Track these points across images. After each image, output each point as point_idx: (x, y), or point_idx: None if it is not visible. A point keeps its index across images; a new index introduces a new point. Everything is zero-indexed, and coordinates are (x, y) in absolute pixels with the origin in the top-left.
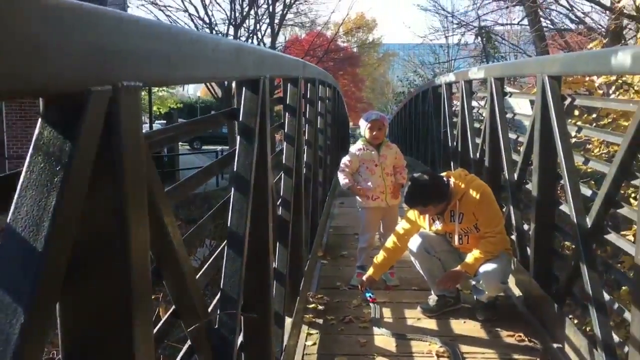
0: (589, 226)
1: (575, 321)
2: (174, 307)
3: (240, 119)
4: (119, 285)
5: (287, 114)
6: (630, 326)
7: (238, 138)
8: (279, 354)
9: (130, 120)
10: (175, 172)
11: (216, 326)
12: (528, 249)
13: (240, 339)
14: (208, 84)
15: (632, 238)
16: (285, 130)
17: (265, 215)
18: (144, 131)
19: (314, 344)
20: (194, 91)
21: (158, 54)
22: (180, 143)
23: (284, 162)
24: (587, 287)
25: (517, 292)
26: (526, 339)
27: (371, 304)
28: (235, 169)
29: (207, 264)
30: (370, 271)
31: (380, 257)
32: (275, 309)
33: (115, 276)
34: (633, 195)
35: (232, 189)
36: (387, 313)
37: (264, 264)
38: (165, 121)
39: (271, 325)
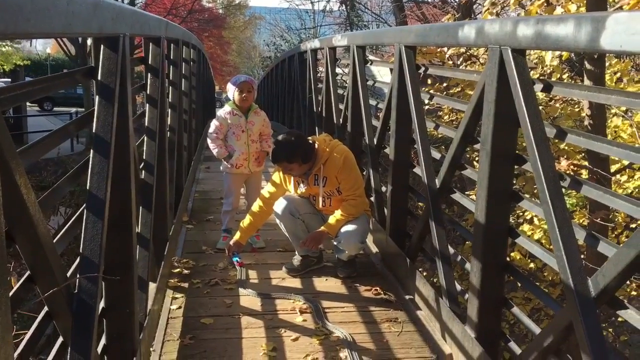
0: (438, 187)
1: (425, 274)
2: (29, 272)
3: (99, 77)
4: None
5: (149, 75)
6: (470, 274)
7: (97, 98)
8: (143, 318)
9: None
10: (22, 134)
11: (76, 291)
12: (385, 210)
13: (102, 304)
14: (60, 40)
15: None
16: (148, 92)
17: (127, 178)
18: None
19: (179, 307)
20: (43, 47)
21: (5, 2)
22: (28, 104)
23: (146, 124)
24: (435, 242)
25: (374, 249)
26: (382, 293)
27: (237, 267)
28: (94, 130)
29: (66, 226)
30: (237, 235)
31: (246, 221)
32: (139, 273)
33: None
34: (477, 158)
35: (92, 150)
36: (253, 274)
37: (126, 228)
38: (10, 79)
39: (134, 290)
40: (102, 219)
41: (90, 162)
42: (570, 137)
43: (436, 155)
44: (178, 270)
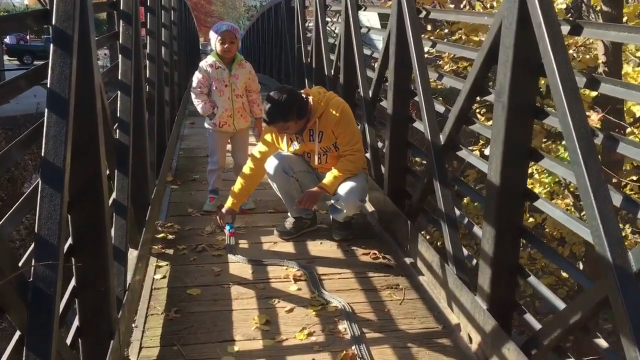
0: (442, 143)
1: (428, 237)
2: None
3: (54, 22)
4: None
5: (121, 21)
6: (481, 240)
7: (51, 47)
8: (122, 293)
9: None
10: None
11: (30, 279)
12: (382, 167)
13: (73, 284)
14: None
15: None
16: (120, 41)
17: (94, 140)
18: None
19: (164, 277)
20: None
21: None
22: (7, 57)
23: (120, 78)
24: (439, 203)
25: (371, 209)
26: (380, 257)
27: (224, 224)
28: (49, 85)
29: (16, 205)
30: (229, 202)
31: (238, 185)
32: (116, 244)
33: None
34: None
35: (46, 109)
36: (242, 239)
37: (95, 198)
38: None
39: (109, 265)
40: (60, 191)
41: (45, 124)
42: (605, 86)
43: (440, 108)
44: (162, 235)
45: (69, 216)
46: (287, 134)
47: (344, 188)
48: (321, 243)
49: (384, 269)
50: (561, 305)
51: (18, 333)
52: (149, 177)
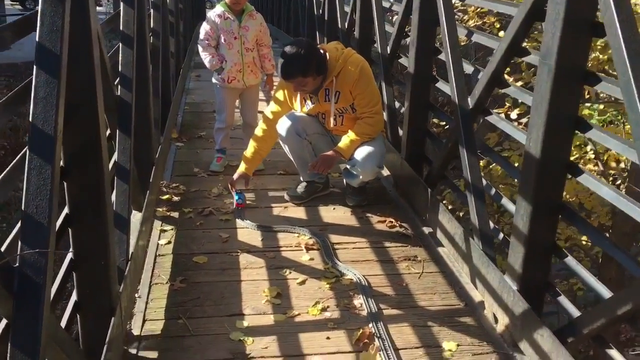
0: (471, 107)
1: (450, 207)
2: None
3: None
4: None
5: None
6: (515, 216)
7: None
8: (125, 263)
9: None
10: None
11: (16, 264)
12: (400, 130)
13: (70, 255)
14: None
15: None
16: None
17: (89, 97)
18: None
19: (169, 242)
20: None
21: None
22: (9, 2)
23: (121, 28)
24: (465, 172)
25: (386, 173)
26: (397, 225)
27: (234, 192)
28: (37, 38)
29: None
30: (242, 167)
31: (250, 149)
32: (118, 210)
33: None
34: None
35: (35, 66)
36: (251, 202)
37: (93, 162)
38: None
39: (109, 236)
40: (50, 162)
41: (33, 84)
42: None
43: (468, 68)
44: (167, 196)
45: (65, 183)
46: (302, 93)
47: (360, 153)
48: (334, 209)
49: (400, 238)
50: (604, 291)
51: (5, 321)
52: (153, 135)
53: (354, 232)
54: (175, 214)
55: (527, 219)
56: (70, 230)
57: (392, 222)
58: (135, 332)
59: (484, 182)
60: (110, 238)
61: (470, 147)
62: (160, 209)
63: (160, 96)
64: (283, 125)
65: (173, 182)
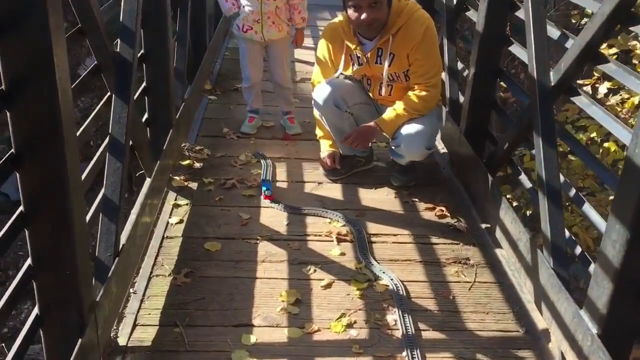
0: (553, 83)
1: (515, 204)
2: None
3: None
4: None
5: None
6: (603, 240)
7: None
8: (112, 259)
9: None
10: None
11: None
12: (461, 97)
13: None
14: None
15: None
16: None
17: (40, 67)
18: None
19: (180, 221)
20: None
21: None
22: None
23: None
24: (539, 166)
25: (442, 149)
26: (449, 215)
27: (262, 161)
28: None
29: None
30: (326, 144)
31: (319, 127)
32: (108, 194)
33: None
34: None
35: None
36: (281, 174)
37: (52, 145)
38: None
39: (75, 235)
40: None
41: None
42: None
43: (553, 33)
44: (188, 162)
45: (17, 175)
46: (367, 23)
47: (407, 131)
48: (375, 189)
49: (451, 233)
50: None
51: None
52: (172, 91)
53: (395, 220)
54: (194, 185)
55: (621, 246)
56: (26, 231)
57: (442, 210)
58: (122, 340)
59: (562, 178)
60: (79, 236)
61: (547, 134)
62: (178, 178)
63: (188, 41)
64: (320, 94)
65: (198, 143)
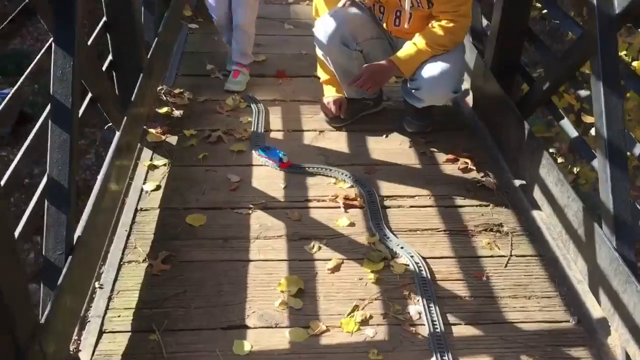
0: (617, 11)
1: (560, 160)
2: None
3: None
4: None
5: None
6: None
7: None
8: (63, 259)
9: None
10: None
11: None
12: (484, 20)
13: None
14: None
15: None
16: None
17: None
18: None
19: (157, 187)
20: None
21: None
22: None
23: None
24: (599, 119)
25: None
26: (474, 168)
27: (253, 106)
28: None
29: None
30: (332, 90)
31: (321, 69)
32: (53, 175)
33: None
34: None
35: None
36: (274, 122)
37: None
38: None
39: None
40: None
41: None
42: None
43: None
44: (165, 110)
45: None
46: None
47: (429, 71)
48: (386, 137)
49: (478, 192)
50: None
51: None
52: (138, 24)
53: (412, 177)
54: (173, 139)
55: None
56: None
57: (466, 163)
58: (85, 355)
59: (629, 133)
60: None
61: (609, 72)
62: (154, 131)
63: None
64: (324, 30)
65: (177, 86)
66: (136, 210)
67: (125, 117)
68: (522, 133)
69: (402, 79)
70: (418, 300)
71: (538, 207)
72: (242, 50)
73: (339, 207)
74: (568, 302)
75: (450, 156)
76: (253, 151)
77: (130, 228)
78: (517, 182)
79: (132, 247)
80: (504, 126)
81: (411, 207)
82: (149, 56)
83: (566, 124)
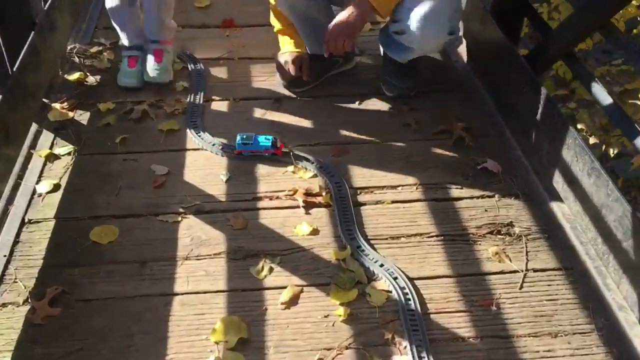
0: None
1: (581, 127)
2: None
3: None
4: None
5: None
6: None
7: None
8: None
9: None
10: None
11: None
12: None
13: None
14: None
15: None
16: None
17: None
18: None
19: (54, 188)
20: None
21: None
22: None
23: None
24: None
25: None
26: (472, 143)
27: (191, 67)
28: None
29: None
30: (290, 44)
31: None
32: None
33: None
34: None
35: None
36: (217, 88)
37: None
38: None
39: None
40: None
41: None
42: None
43: None
44: (77, 75)
45: None
46: None
47: (418, 6)
48: (359, 104)
49: (478, 176)
50: None
51: None
52: None
53: (393, 159)
54: (84, 117)
55: None
56: None
57: (462, 135)
58: None
59: None
60: None
61: None
62: (58, 105)
63: None
64: None
65: (94, 43)
66: (22, 224)
67: (6, 89)
68: (535, 96)
69: (379, 27)
70: (405, 348)
71: (559, 198)
72: (159, 19)
73: (298, 207)
74: (608, 340)
75: (440, 127)
76: (191, 133)
77: (11, 252)
78: (529, 164)
79: (10, 280)
80: (510, 87)
81: (393, 202)
82: (46, 6)
83: (597, 86)
